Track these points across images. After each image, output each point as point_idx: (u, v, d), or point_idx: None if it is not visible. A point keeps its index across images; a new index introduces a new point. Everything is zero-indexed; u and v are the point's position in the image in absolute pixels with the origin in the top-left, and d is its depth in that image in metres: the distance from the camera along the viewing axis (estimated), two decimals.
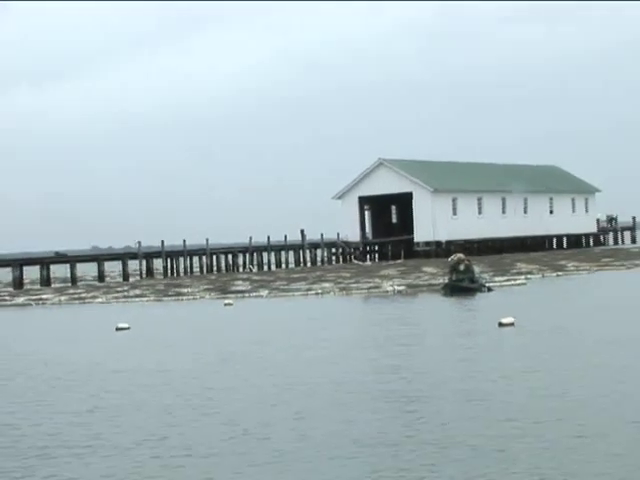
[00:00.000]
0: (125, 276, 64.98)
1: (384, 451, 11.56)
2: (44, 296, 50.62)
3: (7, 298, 51.16)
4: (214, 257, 72.49)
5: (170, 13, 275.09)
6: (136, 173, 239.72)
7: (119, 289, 53.06)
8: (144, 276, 66.83)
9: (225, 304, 39.90)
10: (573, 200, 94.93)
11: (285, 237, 77.44)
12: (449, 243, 75.80)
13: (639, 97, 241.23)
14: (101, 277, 63.73)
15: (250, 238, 74.65)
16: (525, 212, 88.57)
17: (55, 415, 15.23)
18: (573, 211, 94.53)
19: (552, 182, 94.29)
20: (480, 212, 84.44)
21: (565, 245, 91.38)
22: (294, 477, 10.65)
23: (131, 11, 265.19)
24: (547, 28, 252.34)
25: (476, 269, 43.19)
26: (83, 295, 50.02)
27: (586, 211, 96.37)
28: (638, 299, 33.37)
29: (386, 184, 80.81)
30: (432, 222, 79.25)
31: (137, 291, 50.52)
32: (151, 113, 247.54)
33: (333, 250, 79.44)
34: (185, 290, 48.93)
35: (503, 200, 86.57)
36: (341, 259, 78.63)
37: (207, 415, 14.51)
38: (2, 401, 17.01)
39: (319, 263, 76.49)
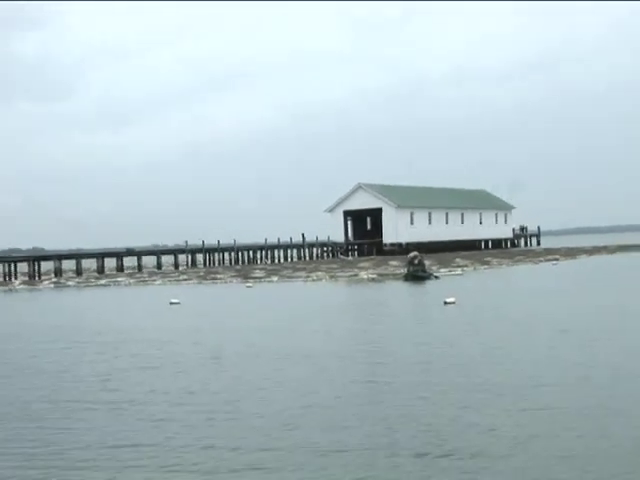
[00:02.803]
0: (176, 265, 64.86)
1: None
2: (119, 279, 50.56)
3: (93, 280, 51.16)
4: (239, 253, 72.25)
5: (207, 73, 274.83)
6: (184, 190, 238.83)
7: (172, 275, 52.98)
8: (189, 266, 66.64)
9: (247, 286, 39.90)
10: (496, 215, 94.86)
11: (290, 239, 77.32)
12: (408, 244, 75.52)
13: (534, 143, 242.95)
14: (159, 266, 63.60)
15: (265, 239, 74.64)
16: (462, 223, 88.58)
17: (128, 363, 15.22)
18: (496, 222, 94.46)
19: (481, 202, 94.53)
20: (430, 222, 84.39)
21: (490, 247, 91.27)
22: None
23: (183, 67, 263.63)
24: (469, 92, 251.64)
25: (426, 263, 43.24)
26: (146, 279, 49.96)
27: (505, 222, 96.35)
28: (540, 284, 33.60)
29: (363, 201, 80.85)
30: (396, 229, 79.33)
31: (185, 276, 50.45)
32: (196, 146, 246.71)
33: (325, 248, 79.27)
34: (219, 276, 48.88)
35: (446, 214, 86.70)
36: (330, 255, 78.52)
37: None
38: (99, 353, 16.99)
39: (315, 258, 76.37)
